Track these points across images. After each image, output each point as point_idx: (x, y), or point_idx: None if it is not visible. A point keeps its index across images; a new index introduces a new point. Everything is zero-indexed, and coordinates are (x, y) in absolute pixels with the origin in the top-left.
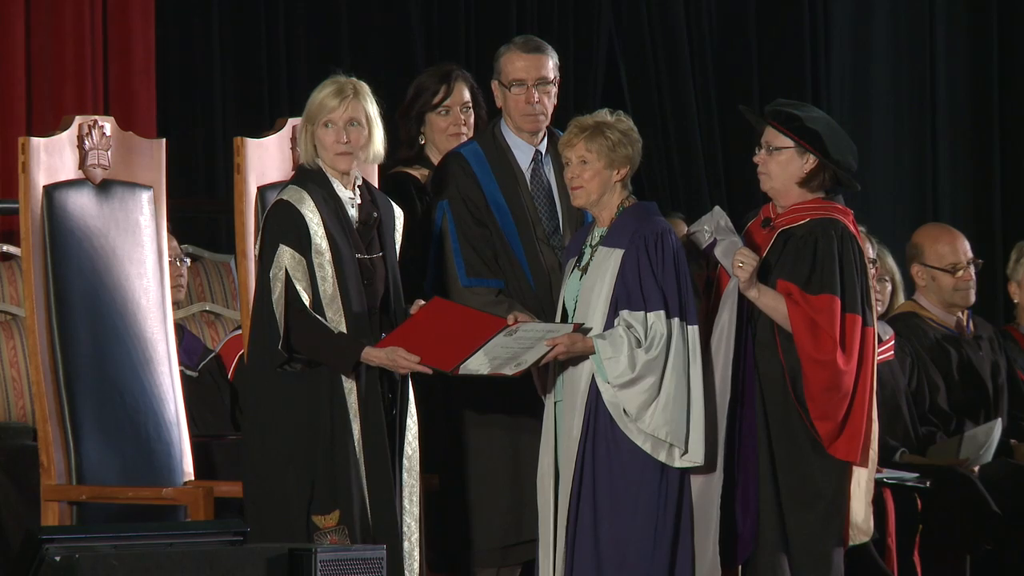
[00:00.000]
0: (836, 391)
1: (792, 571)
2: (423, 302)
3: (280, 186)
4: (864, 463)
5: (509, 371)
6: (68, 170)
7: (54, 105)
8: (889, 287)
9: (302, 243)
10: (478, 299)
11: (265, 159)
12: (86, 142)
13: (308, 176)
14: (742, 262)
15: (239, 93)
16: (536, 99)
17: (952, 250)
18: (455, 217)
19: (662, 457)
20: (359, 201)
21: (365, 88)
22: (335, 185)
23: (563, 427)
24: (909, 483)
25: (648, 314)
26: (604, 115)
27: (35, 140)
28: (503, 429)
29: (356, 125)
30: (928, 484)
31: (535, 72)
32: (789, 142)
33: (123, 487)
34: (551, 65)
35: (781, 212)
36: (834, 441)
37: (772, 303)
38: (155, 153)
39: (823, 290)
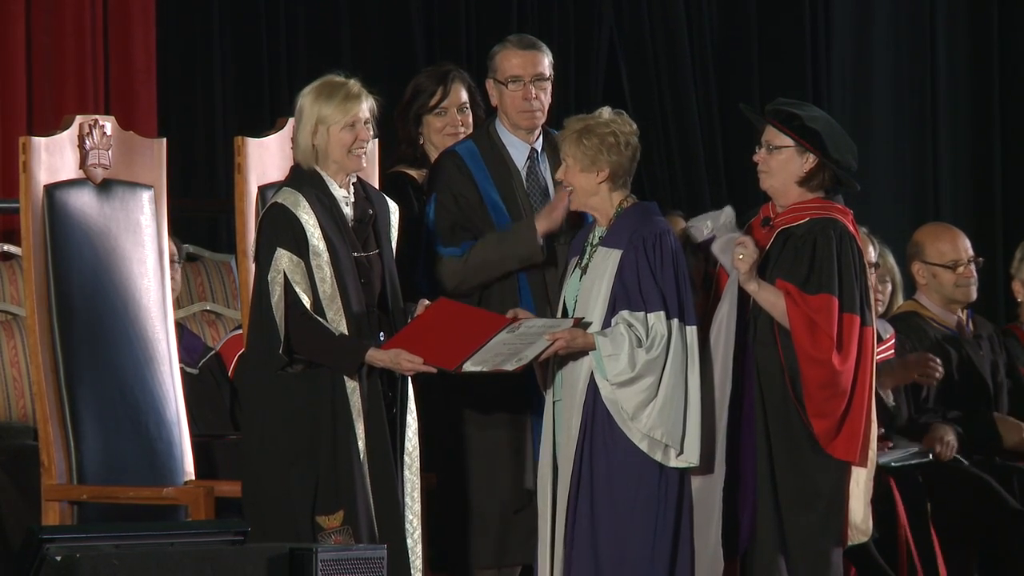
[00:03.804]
0: (832, 389)
1: (789, 571)
2: (428, 302)
3: (279, 186)
4: (863, 463)
5: (510, 367)
6: (69, 170)
7: (55, 104)
8: (889, 287)
9: (299, 246)
10: (452, 265)
11: (266, 158)
12: (87, 141)
13: (302, 177)
14: (742, 254)
15: (239, 93)
16: (534, 95)
17: (953, 247)
18: (437, 210)
19: (658, 457)
20: (353, 199)
21: None
22: (330, 185)
23: (562, 426)
24: (913, 461)
25: (648, 315)
26: (599, 115)
27: (36, 139)
28: (500, 427)
29: (368, 124)
30: (931, 456)
31: (532, 68)
32: (789, 141)
33: (123, 487)
34: (547, 62)
35: (780, 211)
36: (832, 440)
37: (771, 299)
38: (156, 153)
39: (821, 290)
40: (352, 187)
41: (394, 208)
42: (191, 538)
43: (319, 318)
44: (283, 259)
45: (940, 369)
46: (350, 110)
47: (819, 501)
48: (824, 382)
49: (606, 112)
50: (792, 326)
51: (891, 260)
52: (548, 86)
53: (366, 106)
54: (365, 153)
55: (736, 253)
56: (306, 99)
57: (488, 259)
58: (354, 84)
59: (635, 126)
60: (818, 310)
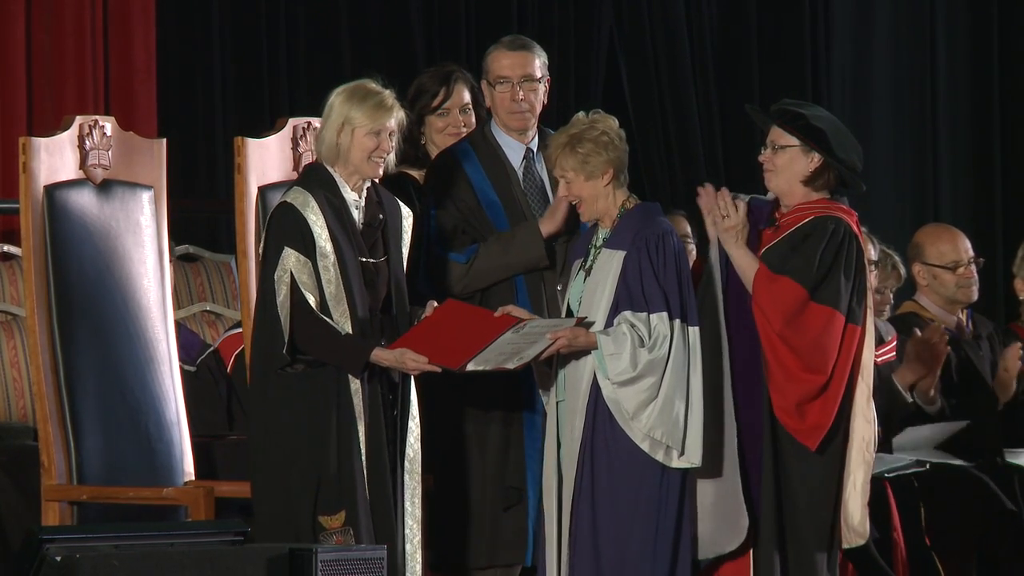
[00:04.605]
0: (782, 368)
1: (783, 570)
2: (436, 304)
3: (281, 186)
4: (820, 451)
5: (512, 365)
6: (69, 170)
7: (55, 105)
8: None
9: (307, 246)
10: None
11: (266, 159)
12: (87, 142)
13: (313, 177)
14: (727, 213)
15: (239, 93)
16: (521, 96)
17: (953, 248)
18: (437, 213)
19: (660, 457)
20: (364, 204)
21: None
22: (342, 188)
23: (565, 427)
24: (909, 471)
25: (651, 315)
26: (578, 121)
27: (36, 140)
28: (489, 425)
29: (393, 136)
30: (927, 467)
31: (520, 70)
32: (794, 140)
33: (123, 487)
34: (538, 64)
35: (786, 212)
36: (790, 418)
37: (744, 264)
38: (156, 153)
39: (787, 274)
40: (365, 191)
41: (407, 214)
42: (191, 538)
43: (325, 318)
44: (290, 258)
45: (944, 338)
46: (379, 118)
47: (812, 502)
48: (774, 354)
49: (582, 115)
50: (754, 299)
51: (902, 270)
52: (539, 87)
53: (395, 119)
54: (383, 162)
55: (721, 211)
56: (338, 97)
57: (493, 265)
58: (389, 95)
59: (615, 118)
60: (778, 292)
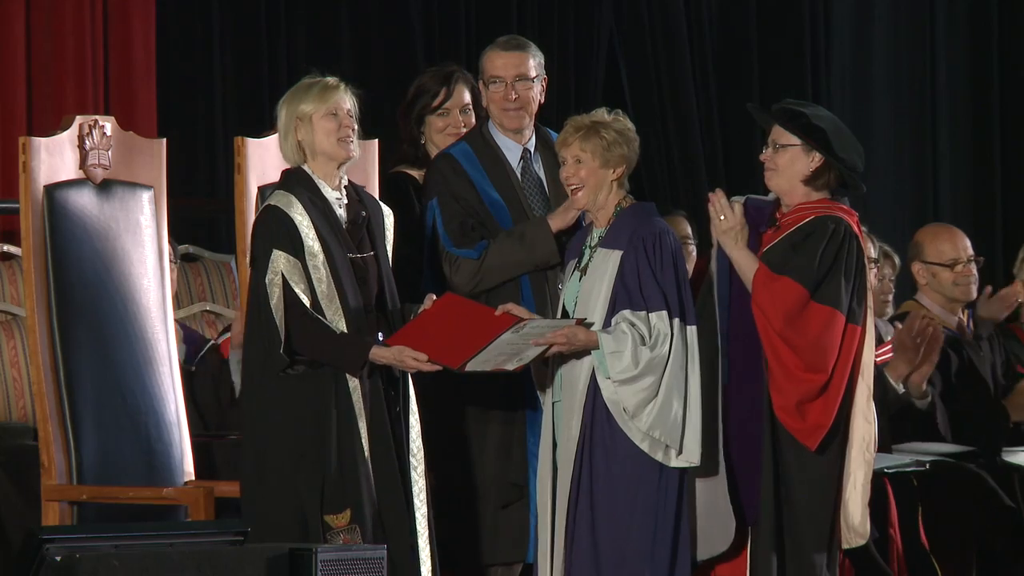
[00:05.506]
0: (783, 367)
1: (782, 571)
2: (435, 297)
3: (272, 189)
4: (820, 451)
5: (511, 367)
6: (69, 170)
7: (54, 105)
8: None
9: (295, 246)
10: (468, 268)
11: (266, 159)
12: (87, 142)
13: (294, 180)
14: (724, 215)
15: (239, 93)
16: (515, 96)
17: (952, 247)
18: (443, 211)
19: (659, 456)
20: (346, 201)
21: None
22: (321, 186)
23: (561, 427)
24: (909, 468)
25: (650, 314)
26: (601, 114)
27: (36, 140)
28: (490, 423)
29: (351, 115)
30: (927, 466)
31: (513, 69)
32: (795, 140)
33: (123, 487)
34: (532, 63)
35: (786, 211)
36: (789, 418)
37: (743, 264)
38: (155, 153)
39: (787, 274)
40: (344, 189)
41: (388, 212)
42: (191, 538)
43: (320, 317)
44: (280, 260)
45: (933, 323)
46: (329, 99)
47: (812, 502)
48: (774, 354)
49: (605, 112)
50: (754, 299)
51: (896, 258)
52: (533, 86)
53: (347, 98)
54: (353, 141)
55: (717, 213)
56: (282, 104)
57: (505, 262)
58: (332, 79)
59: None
60: (779, 291)
